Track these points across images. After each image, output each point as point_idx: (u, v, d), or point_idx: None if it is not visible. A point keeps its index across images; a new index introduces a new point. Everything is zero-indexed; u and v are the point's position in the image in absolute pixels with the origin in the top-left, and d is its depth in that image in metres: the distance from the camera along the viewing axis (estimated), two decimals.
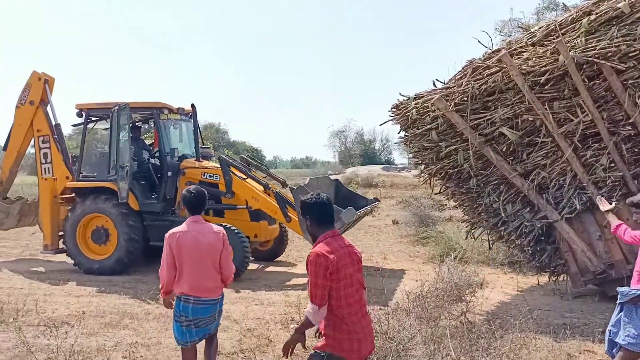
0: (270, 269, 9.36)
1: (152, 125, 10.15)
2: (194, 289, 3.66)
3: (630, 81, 5.65)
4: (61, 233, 9.26)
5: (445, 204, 15.15)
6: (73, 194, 9.34)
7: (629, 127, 5.81)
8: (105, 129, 9.54)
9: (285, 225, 9.08)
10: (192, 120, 9.70)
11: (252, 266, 9.07)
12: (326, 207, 2.96)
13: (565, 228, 6.44)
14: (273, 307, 6.57)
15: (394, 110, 7.06)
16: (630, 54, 5.53)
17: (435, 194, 7.81)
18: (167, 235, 3.71)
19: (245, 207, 8.76)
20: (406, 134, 7.03)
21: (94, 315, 6.23)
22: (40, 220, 9.73)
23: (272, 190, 8.65)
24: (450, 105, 6.47)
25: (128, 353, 4.89)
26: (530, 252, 6.98)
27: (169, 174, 8.97)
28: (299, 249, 10.92)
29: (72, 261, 8.95)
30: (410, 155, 8.04)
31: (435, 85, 6.98)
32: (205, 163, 9.45)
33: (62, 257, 9.56)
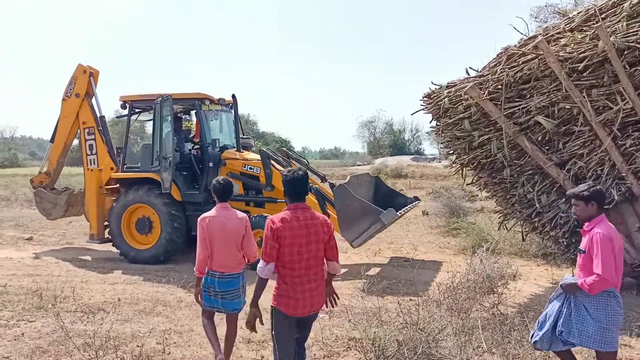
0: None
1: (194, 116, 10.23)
2: (220, 266, 4.22)
3: None
4: (106, 223, 9.46)
5: (477, 195, 14.91)
6: (118, 185, 9.52)
7: None
8: (149, 120, 9.69)
9: None
10: (233, 110, 9.72)
11: None
12: (298, 184, 3.41)
13: None
14: None
15: (425, 99, 6.96)
16: None
17: (467, 184, 7.68)
18: (199, 219, 4.22)
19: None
20: (438, 123, 6.93)
21: (128, 302, 6.39)
22: (86, 211, 9.98)
23: (312, 186, 8.58)
24: (484, 93, 6.33)
25: (162, 339, 4.99)
26: (565, 243, 6.81)
27: (211, 164, 9.03)
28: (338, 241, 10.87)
29: (117, 250, 9.13)
30: (442, 145, 7.94)
31: (468, 74, 6.85)
32: (246, 154, 9.48)
33: (107, 247, 9.80)
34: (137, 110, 9.74)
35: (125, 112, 9.60)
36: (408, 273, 7.69)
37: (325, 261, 3.48)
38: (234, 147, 9.61)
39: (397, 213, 7.64)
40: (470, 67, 6.90)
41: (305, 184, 3.45)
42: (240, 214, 4.34)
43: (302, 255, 3.31)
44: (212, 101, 9.30)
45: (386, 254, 9.51)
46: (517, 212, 6.91)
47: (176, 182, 8.73)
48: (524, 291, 6.34)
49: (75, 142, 11.27)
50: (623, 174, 6.01)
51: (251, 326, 3.43)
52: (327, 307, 3.65)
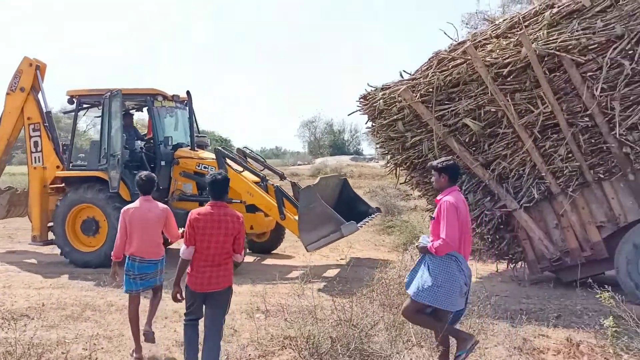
0: (268, 261, 9.22)
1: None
2: (141, 252, 4.68)
3: (589, 74, 5.83)
4: (51, 224, 8.95)
5: (411, 194, 15.36)
6: (63, 184, 9.02)
7: (587, 119, 6.00)
8: (98, 116, 9.20)
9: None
10: (188, 107, 9.39)
11: (249, 259, 8.89)
12: (217, 185, 3.98)
13: (523, 217, 6.63)
14: (239, 297, 6.56)
15: (361, 100, 7.12)
16: (589, 47, 5.70)
17: (400, 183, 7.91)
18: (122, 210, 4.76)
19: (239, 201, 8.45)
20: (373, 124, 7.09)
21: (54, 307, 6.09)
22: (29, 211, 9.39)
23: (273, 185, 8.43)
24: (416, 96, 6.55)
25: (89, 345, 4.81)
26: (489, 240, 7.16)
27: (163, 163, 8.72)
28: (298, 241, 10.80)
29: (61, 253, 8.64)
30: (377, 146, 8.12)
31: (402, 76, 7.05)
32: (201, 153, 9.17)
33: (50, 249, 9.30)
34: (85, 105, 9.31)
35: (73, 107, 9.12)
36: (343, 271, 7.82)
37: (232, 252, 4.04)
38: (188, 146, 9.29)
39: (358, 225, 7.53)
40: (404, 70, 7.12)
41: (224, 185, 4.04)
42: (162, 206, 4.86)
43: (211, 244, 3.90)
44: (165, 97, 9.00)
45: (323, 253, 9.61)
46: None
47: (125, 181, 8.34)
48: None
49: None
50: (543, 174, 6.39)
51: (175, 300, 4.06)
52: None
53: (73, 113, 9.26)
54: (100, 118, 8.64)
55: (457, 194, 3.98)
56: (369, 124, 7.30)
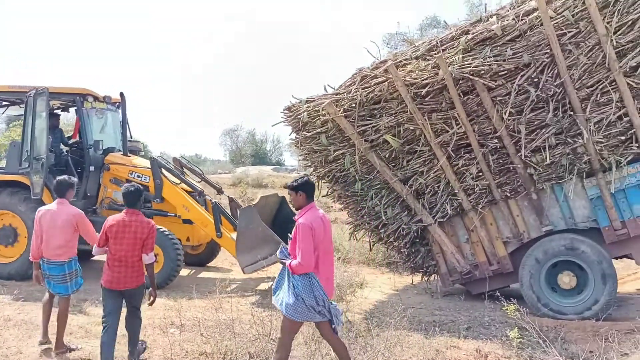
0: (203, 274, 8.82)
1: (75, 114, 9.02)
2: (47, 253, 4.95)
3: (499, 98, 6.20)
4: None
5: (331, 206, 15.54)
6: None
7: (496, 140, 6.37)
8: (19, 115, 8.48)
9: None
10: (121, 110, 8.77)
11: (183, 272, 8.41)
12: (130, 195, 4.60)
13: (437, 231, 6.90)
14: (152, 311, 6.26)
15: (286, 112, 7.11)
16: (500, 73, 6.06)
17: (322, 196, 7.96)
18: (37, 211, 5.06)
19: (174, 215, 8.05)
20: (297, 136, 7.10)
21: None
22: None
23: (211, 200, 8.07)
24: (340, 110, 6.65)
25: None
26: (406, 253, 7.40)
27: (92, 168, 8.14)
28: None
29: None
30: (300, 158, 8.14)
31: (326, 90, 7.14)
32: (134, 159, 8.58)
33: None
34: (4, 103, 8.59)
35: None
36: (265, 284, 7.73)
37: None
38: (119, 151, 8.70)
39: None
40: (328, 85, 7.21)
41: (137, 196, 4.62)
42: (73, 211, 5.05)
43: (122, 247, 4.45)
44: (95, 98, 8.41)
45: None
46: (366, 224, 7.33)
47: (49, 187, 7.58)
48: (369, 298, 6.75)
49: None
50: (455, 191, 6.70)
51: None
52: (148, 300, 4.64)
53: None
54: (23, 117, 7.97)
55: (312, 212, 4.10)
56: (293, 135, 7.30)
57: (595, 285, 6.19)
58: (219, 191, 9.15)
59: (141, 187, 4.79)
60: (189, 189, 8.33)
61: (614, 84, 5.92)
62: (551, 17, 5.88)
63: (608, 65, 5.85)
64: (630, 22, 5.72)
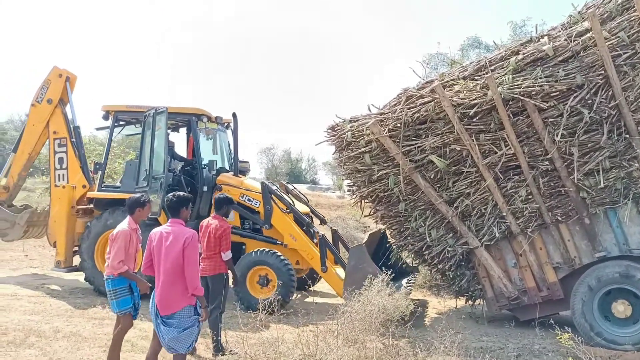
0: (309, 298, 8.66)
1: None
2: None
3: (550, 119, 6.06)
4: (76, 248, 8.33)
5: (369, 226, 15.44)
6: (92, 205, 8.43)
7: (547, 162, 6.22)
8: (134, 134, 8.75)
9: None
10: (233, 130, 8.83)
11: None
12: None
13: (484, 254, 6.74)
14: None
15: (329, 131, 7.14)
16: (551, 94, 5.94)
17: (365, 216, 7.92)
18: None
19: (281, 243, 8.02)
20: (340, 155, 7.11)
21: None
22: (50, 233, 8.64)
23: (318, 233, 7.97)
24: (384, 130, 6.63)
25: None
26: (450, 276, 7.23)
27: (205, 189, 8.20)
28: None
29: (89, 282, 8.03)
30: (344, 177, 8.12)
31: (370, 110, 7.15)
32: (245, 180, 8.67)
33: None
34: (121, 122, 8.84)
35: (107, 123, 8.65)
36: (306, 303, 7.68)
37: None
38: (229, 171, 8.81)
39: (406, 288, 6.98)
40: (372, 104, 7.22)
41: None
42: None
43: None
44: (209, 118, 8.60)
45: None
46: (410, 245, 7.22)
47: (164, 207, 7.55)
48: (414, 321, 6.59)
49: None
50: (503, 214, 6.55)
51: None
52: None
53: (107, 130, 8.76)
54: (141, 136, 8.18)
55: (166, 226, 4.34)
56: (336, 155, 7.31)
57: None
58: (322, 221, 9.05)
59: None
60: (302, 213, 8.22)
61: None
62: (606, 38, 5.75)
63: None
64: None
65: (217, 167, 8.70)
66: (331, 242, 8.31)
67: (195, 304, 4.32)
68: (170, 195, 4.54)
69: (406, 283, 7.76)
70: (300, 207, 8.63)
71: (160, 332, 4.21)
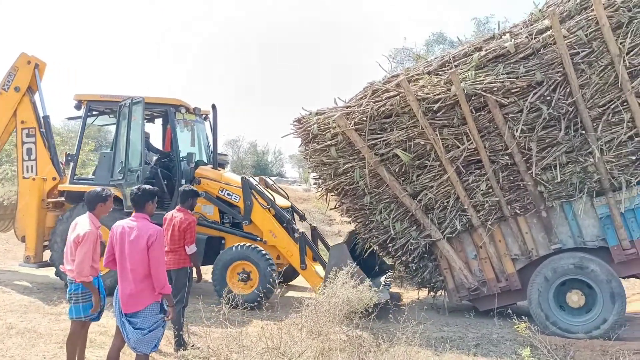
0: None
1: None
2: None
3: (511, 115, 6.21)
4: (46, 243, 7.95)
5: (334, 219, 15.52)
6: (62, 199, 8.05)
7: (507, 157, 6.38)
8: (107, 124, 8.42)
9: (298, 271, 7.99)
10: (212, 122, 8.56)
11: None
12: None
13: (446, 247, 6.88)
14: None
15: (295, 123, 7.12)
16: (512, 90, 6.08)
17: (330, 209, 7.95)
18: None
19: (260, 240, 7.88)
20: (306, 148, 7.10)
21: None
22: (18, 227, 8.24)
23: (297, 230, 7.85)
24: (350, 123, 6.66)
25: None
26: (413, 268, 7.34)
27: (183, 182, 7.93)
28: None
29: (58, 277, 7.65)
30: (309, 170, 8.12)
31: (336, 103, 7.15)
32: (224, 173, 8.45)
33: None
34: (94, 112, 8.51)
35: (80, 113, 8.28)
36: (284, 298, 7.64)
37: None
38: (207, 164, 8.55)
39: (388, 296, 6.92)
40: (338, 97, 7.23)
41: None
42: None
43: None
44: (187, 109, 8.32)
45: None
46: (374, 238, 7.29)
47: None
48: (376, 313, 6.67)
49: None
50: (465, 207, 6.68)
51: None
52: None
53: (79, 119, 8.42)
54: (116, 127, 7.89)
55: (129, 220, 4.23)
56: (302, 147, 7.30)
57: (604, 305, 6.16)
58: (302, 218, 8.94)
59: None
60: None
61: (625, 104, 5.95)
62: (564, 36, 5.91)
63: (620, 85, 5.88)
64: None
65: (195, 160, 8.55)
66: (310, 239, 8.27)
67: (161, 301, 4.24)
68: (135, 188, 4.35)
69: (384, 280, 7.87)
70: (281, 202, 8.55)
71: (126, 331, 4.10)
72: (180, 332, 5.44)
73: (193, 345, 5.42)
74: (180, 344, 5.39)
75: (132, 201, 4.33)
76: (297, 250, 7.67)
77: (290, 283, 8.90)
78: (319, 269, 7.70)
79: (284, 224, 7.98)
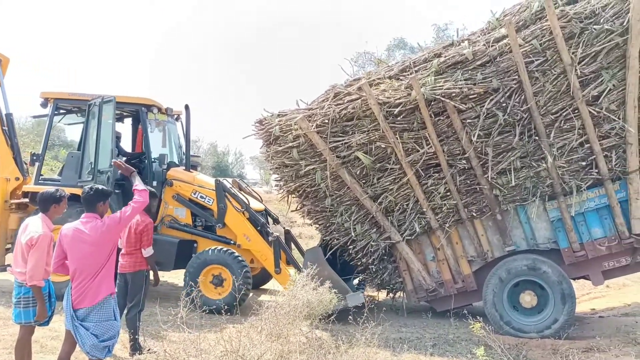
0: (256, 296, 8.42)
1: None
2: None
3: (468, 120, 6.37)
4: (9, 246, 7.57)
5: (295, 221, 15.49)
6: (27, 200, 7.66)
7: (464, 161, 6.54)
8: (75, 123, 8.13)
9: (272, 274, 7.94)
10: (185, 123, 8.36)
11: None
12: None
13: (405, 249, 6.98)
14: None
15: (257, 124, 7.08)
16: (470, 96, 6.24)
17: (292, 211, 7.94)
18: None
19: (234, 243, 7.74)
20: (268, 149, 7.07)
21: None
22: None
23: (272, 233, 7.70)
24: (312, 126, 6.67)
25: None
26: (373, 270, 7.41)
27: (154, 184, 7.71)
28: None
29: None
30: (271, 171, 8.10)
31: (298, 105, 7.16)
32: (198, 177, 8.22)
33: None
34: (61, 110, 8.17)
35: (46, 111, 7.93)
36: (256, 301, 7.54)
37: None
38: (179, 165, 8.33)
39: (362, 299, 6.83)
40: (300, 99, 7.24)
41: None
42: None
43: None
44: (159, 109, 8.09)
45: None
46: (335, 240, 7.32)
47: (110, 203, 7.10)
48: (337, 315, 6.70)
49: None
50: (424, 209, 6.80)
51: None
52: None
53: (46, 118, 8.06)
54: (84, 126, 7.63)
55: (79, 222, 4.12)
56: (264, 149, 7.27)
57: (555, 305, 6.38)
58: (276, 221, 8.85)
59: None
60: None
61: (576, 111, 6.18)
62: (520, 45, 6.10)
63: (572, 93, 6.10)
64: (593, 54, 6.00)
65: (167, 161, 8.38)
66: (284, 242, 8.22)
67: (114, 296, 4.18)
68: (87, 187, 4.23)
69: (358, 282, 7.88)
70: (255, 205, 8.47)
71: (80, 335, 3.99)
72: (136, 336, 5.31)
73: (149, 350, 5.30)
74: (135, 348, 5.26)
75: (84, 200, 4.19)
76: (271, 254, 7.61)
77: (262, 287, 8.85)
78: (293, 272, 7.67)
79: (258, 228, 7.90)
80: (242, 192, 8.58)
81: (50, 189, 4.60)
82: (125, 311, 5.41)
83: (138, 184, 4.51)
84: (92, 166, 7.54)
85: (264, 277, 8.97)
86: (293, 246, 8.87)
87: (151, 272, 5.69)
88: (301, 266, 7.25)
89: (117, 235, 4.23)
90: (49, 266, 4.30)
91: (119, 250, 5.43)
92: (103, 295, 4.04)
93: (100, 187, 4.29)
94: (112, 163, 4.54)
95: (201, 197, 7.94)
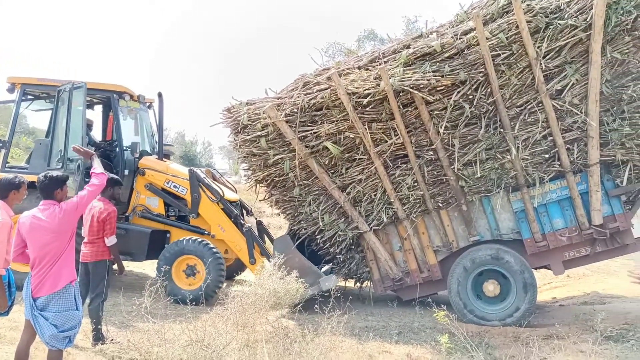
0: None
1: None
2: None
3: (436, 112, 6.42)
4: None
5: (264, 211, 15.42)
6: None
7: (431, 152, 6.60)
8: (43, 109, 7.85)
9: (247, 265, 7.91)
10: (157, 111, 8.15)
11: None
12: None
13: (372, 239, 7.02)
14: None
15: (225, 113, 6.99)
16: (437, 88, 6.28)
17: (260, 200, 7.89)
18: None
19: (208, 234, 7.62)
20: (236, 138, 7.00)
21: None
22: None
23: (244, 224, 7.60)
24: (281, 115, 6.62)
25: None
26: (341, 259, 7.45)
27: (126, 172, 7.50)
28: None
29: None
30: (239, 160, 8.03)
31: (267, 94, 7.09)
32: (171, 166, 8.05)
33: None
34: (29, 96, 7.86)
35: (13, 96, 7.61)
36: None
37: None
38: (151, 154, 8.12)
39: (336, 281, 6.91)
40: (269, 88, 7.17)
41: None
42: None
43: None
44: (131, 97, 7.83)
45: None
46: (303, 229, 7.31)
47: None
48: (305, 304, 6.72)
49: None
50: (391, 200, 6.85)
51: None
52: None
53: (13, 104, 7.74)
54: (53, 113, 7.35)
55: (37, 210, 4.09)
56: (232, 137, 7.18)
57: (517, 294, 6.54)
58: (249, 212, 8.75)
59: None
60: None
61: (540, 105, 6.31)
62: (487, 38, 6.17)
63: (536, 87, 6.23)
64: (557, 48, 6.13)
65: (140, 150, 8.19)
66: (256, 233, 8.18)
67: (75, 284, 4.11)
68: (41, 175, 4.13)
69: (330, 266, 7.90)
70: (230, 195, 8.37)
71: (39, 325, 3.90)
72: (99, 326, 5.21)
73: (112, 340, 5.21)
74: (98, 338, 5.16)
75: (40, 189, 4.11)
76: (245, 244, 7.58)
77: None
78: (267, 263, 7.63)
79: (232, 218, 7.84)
80: (215, 182, 8.50)
81: (9, 175, 4.44)
82: (87, 301, 5.29)
83: (97, 167, 4.44)
84: (62, 154, 7.36)
85: (238, 267, 8.92)
86: (266, 238, 8.84)
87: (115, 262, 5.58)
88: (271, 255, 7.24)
89: (75, 220, 4.14)
90: (9, 255, 4.17)
91: (82, 238, 5.32)
92: (64, 282, 3.97)
93: (55, 174, 4.19)
94: (72, 148, 4.41)
95: (174, 186, 7.83)
